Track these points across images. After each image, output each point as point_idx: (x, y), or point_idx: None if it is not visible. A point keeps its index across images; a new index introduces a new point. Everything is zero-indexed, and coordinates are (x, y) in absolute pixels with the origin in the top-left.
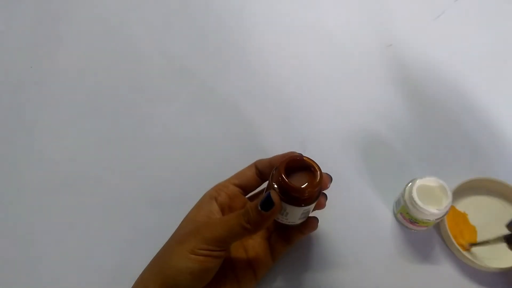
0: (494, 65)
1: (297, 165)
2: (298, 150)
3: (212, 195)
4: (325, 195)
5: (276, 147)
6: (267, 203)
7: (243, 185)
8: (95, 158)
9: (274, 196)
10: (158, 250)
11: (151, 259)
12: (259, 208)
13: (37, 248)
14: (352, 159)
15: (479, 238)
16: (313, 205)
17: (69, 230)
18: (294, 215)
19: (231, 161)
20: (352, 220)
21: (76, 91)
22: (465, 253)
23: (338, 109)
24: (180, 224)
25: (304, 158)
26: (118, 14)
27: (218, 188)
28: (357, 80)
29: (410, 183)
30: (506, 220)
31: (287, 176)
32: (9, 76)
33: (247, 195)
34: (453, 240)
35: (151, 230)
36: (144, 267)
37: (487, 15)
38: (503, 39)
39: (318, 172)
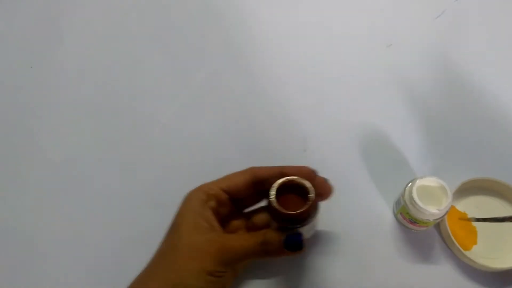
0: (494, 65)
1: (287, 189)
2: (299, 149)
3: (203, 200)
4: (325, 179)
5: (277, 146)
6: (294, 245)
7: (231, 191)
8: (95, 158)
9: (304, 242)
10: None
11: (151, 259)
12: (283, 246)
13: (37, 248)
14: (353, 159)
15: (479, 238)
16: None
17: (69, 230)
18: (315, 224)
19: (232, 161)
20: (352, 220)
21: (76, 91)
22: (465, 253)
23: (338, 108)
24: (177, 228)
25: (285, 182)
26: (118, 14)
27: (205, 190)
28: (357, 79)
29: (410, 183)
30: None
31: (287, 208)
32: (9, 76)
33: (234, 201)
34: (454, 240)
35: (151, 230)
36: (144, 267)
37: (487, 15)
38: (503, 38)
39: (306, 185)
